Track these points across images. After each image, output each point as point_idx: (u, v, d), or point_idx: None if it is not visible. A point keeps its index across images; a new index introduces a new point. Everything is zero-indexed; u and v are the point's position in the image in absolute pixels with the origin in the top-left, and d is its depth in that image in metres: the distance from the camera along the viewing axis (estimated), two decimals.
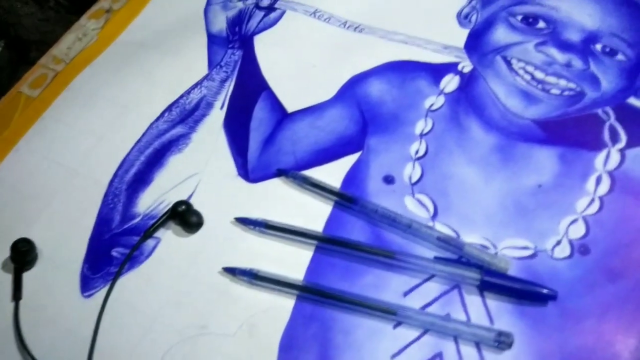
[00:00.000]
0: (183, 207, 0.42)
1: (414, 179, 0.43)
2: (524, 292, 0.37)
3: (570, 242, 0.39)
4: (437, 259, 0.39)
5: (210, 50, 0.52)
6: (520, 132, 0.44)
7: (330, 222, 0.42)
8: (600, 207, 0.40)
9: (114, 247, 0.43)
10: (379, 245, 0.40)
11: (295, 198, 0.43)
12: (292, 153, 0.46)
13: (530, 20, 0.49)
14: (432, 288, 0.38)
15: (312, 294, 0.39)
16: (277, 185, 0.44)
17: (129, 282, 0.41)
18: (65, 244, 0.43)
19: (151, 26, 0.55)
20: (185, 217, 0.42)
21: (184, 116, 0.49)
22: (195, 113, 0.49)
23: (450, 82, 0.47)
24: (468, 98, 0.46)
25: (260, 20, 0.54)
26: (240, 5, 0.55)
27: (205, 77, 0.51)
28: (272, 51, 0.52)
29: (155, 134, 0.48)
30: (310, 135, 0.46)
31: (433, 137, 0.45)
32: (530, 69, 0.47)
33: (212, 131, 0.48)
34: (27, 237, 0.41)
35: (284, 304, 0.39)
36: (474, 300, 0.37)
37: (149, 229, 0.42)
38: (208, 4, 0.56)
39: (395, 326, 0.37)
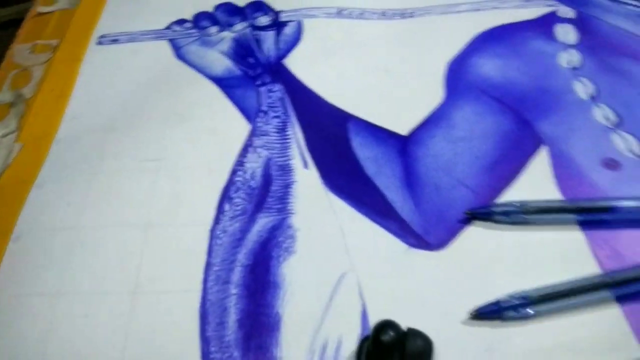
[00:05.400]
0: (390, 333, 0.23)
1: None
2: None
3: None
4: None
5: (232, 97, 0.34)
6: None
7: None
8: None
9: None
10: None
11: (520, 241, 0.27)
12: (459, 184, 0.29)
13: None
14: None
15: None
16: (479, 236, 0.28)
17: None
18: None
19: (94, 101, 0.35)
20: (405, 350, 0.23)
21: (258, 200, 0.29)
22: (270, 188, 0.30)
23: (567, 33, 0.36)
24: (602, 44, 0.36)
25: (277, 41, 0.37)
26: (226, 35, 0.37)
27: (252, 134, 0.32)
28: (320, 72, 0.35)
29: (231, 245, 0.28)
30: (462, 150, 0.31)
31: (608, 96, 0.33)
32: None
33: (313, 203, 0.29)
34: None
35: None
36: None
37: None
38: (177, 47, 0.37)
39: None
